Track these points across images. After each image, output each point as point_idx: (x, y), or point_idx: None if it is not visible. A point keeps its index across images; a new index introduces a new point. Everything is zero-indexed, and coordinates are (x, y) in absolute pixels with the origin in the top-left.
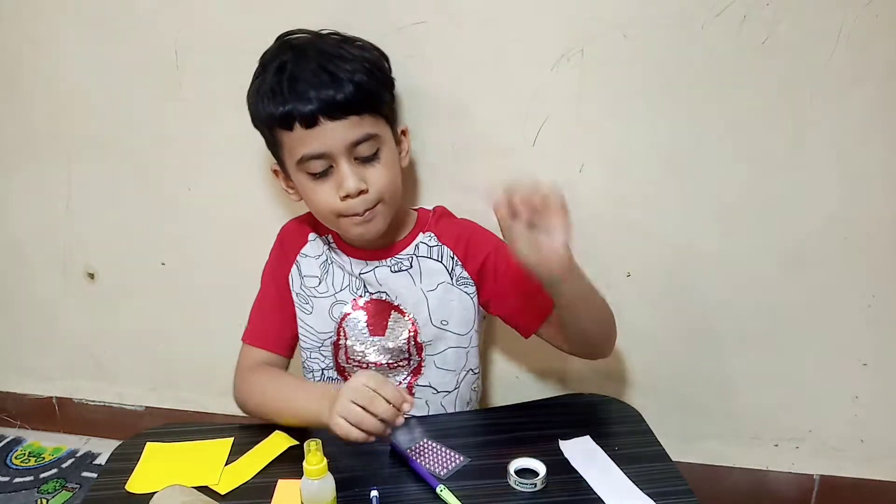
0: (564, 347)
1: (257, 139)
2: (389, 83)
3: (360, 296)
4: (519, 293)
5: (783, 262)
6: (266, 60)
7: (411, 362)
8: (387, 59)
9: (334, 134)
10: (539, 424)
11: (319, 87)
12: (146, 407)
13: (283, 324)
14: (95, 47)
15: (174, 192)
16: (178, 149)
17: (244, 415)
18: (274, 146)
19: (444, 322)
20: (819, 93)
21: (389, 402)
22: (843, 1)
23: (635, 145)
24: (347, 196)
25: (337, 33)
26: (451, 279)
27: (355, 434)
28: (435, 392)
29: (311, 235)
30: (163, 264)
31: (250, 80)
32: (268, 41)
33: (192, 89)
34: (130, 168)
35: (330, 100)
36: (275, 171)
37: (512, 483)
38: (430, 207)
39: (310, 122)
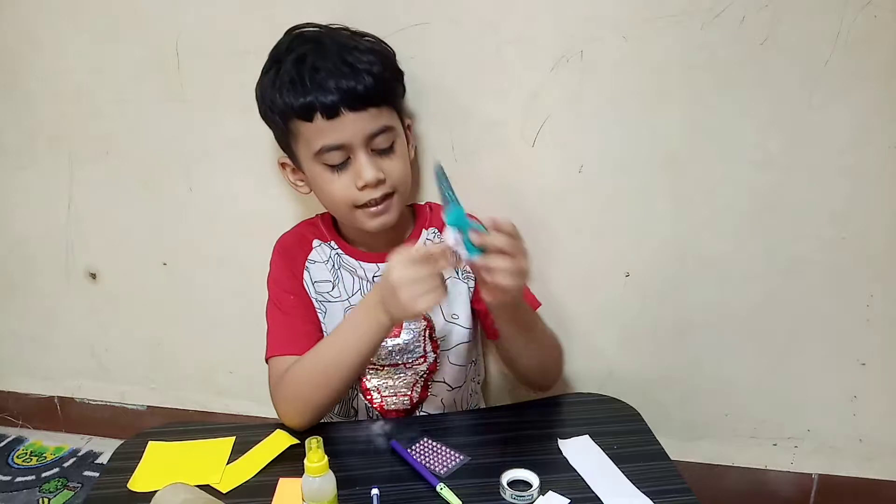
0: (512, 372)
1: (258, 140)
2: (400, 76)
3: None
4: None
5: (781, 262)
6: (280, 52)
7: (427, 359)
8: (394, 54)
9: (354, 125)
10: (539, 424)
11: (341, 77)
12: (148, 406)
13: (312, 327)
14: (97, 48)
15: (176, 193)
16: (179, 149)
17: (245, 413)
18: (286, 138)
19: (454, 316)
20: (818, 93)
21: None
22: (843, 1)
23: (634, 146)
24: (366, 186)
25: (345, 28)
26: (456, 273)
27: (434, 296)
28: (449, 389)
29: (316, 242)
30: (164, 264)
31: (260, 74)
32: (268, 42)
33: (193, 90)
34: (132, 169)
35: (352, 91)
36: (282, 164)
37: (507, 497)
38: (422, 203)
39: (331, 112)
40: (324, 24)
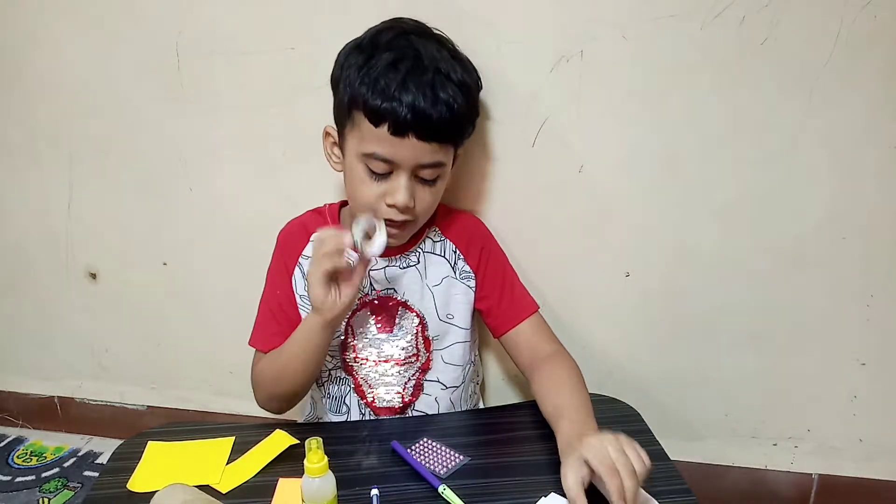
0: (520, 369)
1: (258, 140)
2: (476, 116)
3: (368, 293)
4: (501, 294)
5: (782, 262)
6: (380, 42)
7: (420, 358)
8: (480, 87)
9: (413, 151)
10: (539, 423)
11: (424, 105)
12: (148, 406)
13: (290, 327)
14: (98, 48)
15: (176, 193)
16: (179, 149)
17: (245, 413)
18: (344, 119)
19: (449, 316)
20: (818, 93)
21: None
22: (842, 2)
23: (634, 146)
24: (394, 206)
25: (450, 41)
26: (455, 273)
27: (322, 260)
28: (444, 388)
29: (315, 236)
30: (164, 264)
31: (353, 43)
32: (270, 42)
33: (193, 90)
34: (132, 169)
35: (427, 122)
36: (326, 133)
37: None
38: None
39: (400, 132)
40: (432, 26)
